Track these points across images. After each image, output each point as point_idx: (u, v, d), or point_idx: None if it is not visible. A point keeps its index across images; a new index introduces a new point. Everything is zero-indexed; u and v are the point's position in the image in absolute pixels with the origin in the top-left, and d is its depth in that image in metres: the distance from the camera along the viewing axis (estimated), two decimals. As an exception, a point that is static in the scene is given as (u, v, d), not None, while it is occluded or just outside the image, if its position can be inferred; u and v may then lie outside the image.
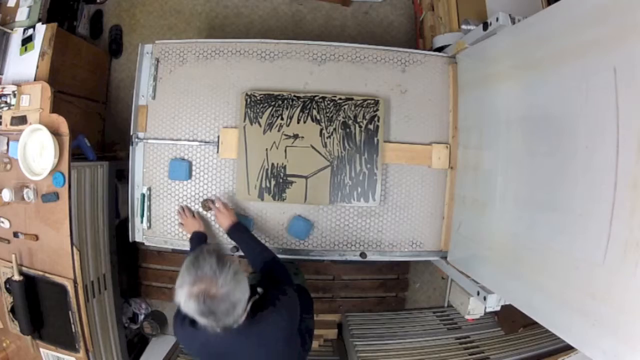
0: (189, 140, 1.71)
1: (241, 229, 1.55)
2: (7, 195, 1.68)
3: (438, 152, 1.74)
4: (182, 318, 1.15)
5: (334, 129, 1.68)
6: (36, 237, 1.73)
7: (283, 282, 1.33)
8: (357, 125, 1.68)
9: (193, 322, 1.11)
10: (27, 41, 1.89)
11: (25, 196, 1.70)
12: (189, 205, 1.72)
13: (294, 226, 1.71)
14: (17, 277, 1.71)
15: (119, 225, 2.16)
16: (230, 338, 1.12)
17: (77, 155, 1.91)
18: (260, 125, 1.67)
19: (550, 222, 1.15)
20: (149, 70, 1.74)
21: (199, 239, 1.58)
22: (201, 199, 1.71)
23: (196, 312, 1.02)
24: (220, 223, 1.61)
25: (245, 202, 1.71)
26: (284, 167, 1.68)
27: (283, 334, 1.20)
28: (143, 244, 1.79)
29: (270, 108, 1.66)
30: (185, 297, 1.02)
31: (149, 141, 1.72)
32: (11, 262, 1.72)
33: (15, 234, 1.76)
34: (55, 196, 1.69)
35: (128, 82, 2.67)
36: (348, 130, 1.69)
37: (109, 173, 2.05)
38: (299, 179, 1.68)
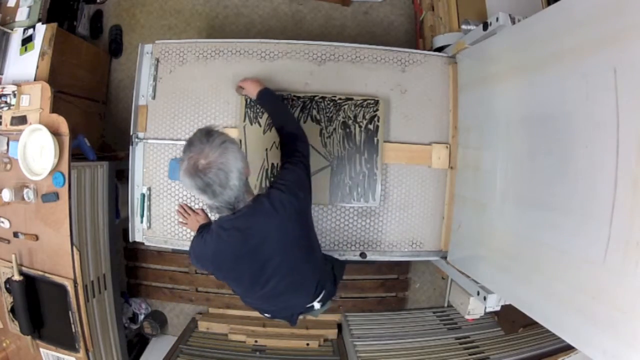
0: (189, 140, 1.71)
1: (270, 97, 1.50)
2: (7, 195, 1.68)
3: (438, 152, 1.74)
4: (197, 239, 1.21)
5: (334, 129, 1.68)
6: (36, 237, 1.73)
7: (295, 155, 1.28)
8: (357, 125, 1.68)
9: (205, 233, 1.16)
10: (27, 41, 1.89)
11: (25, 196, 1.70)
12: (189, 205, 1.71)
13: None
14: (17, 277, 1.71)
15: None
16: (241, 221, 1.11)
17: (77, 155, 1.91)
18: (260, 125, 1.67)
19: (551, 222, 1.14)
20: (149, 70, 1.74)
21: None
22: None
23: (194, 187, 1.03)
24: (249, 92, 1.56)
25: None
26: (284, 167, 1.67)
27: (290, 212, 1.17)
28: (143, 243, 1.79)
29: (270, 108, 1.66)
30: (182, 176, 1.04)
31: (149, 141, 1.73)
32: (11, 262, 1.72)
33: (15, 234, 1.76)
34: (55, 196, 1.69)
35: (128, 82, 2.67)
36: (348, 130, 1.69)
37: (109, 173, 2.05)
38: (299, 179, 1.68)
